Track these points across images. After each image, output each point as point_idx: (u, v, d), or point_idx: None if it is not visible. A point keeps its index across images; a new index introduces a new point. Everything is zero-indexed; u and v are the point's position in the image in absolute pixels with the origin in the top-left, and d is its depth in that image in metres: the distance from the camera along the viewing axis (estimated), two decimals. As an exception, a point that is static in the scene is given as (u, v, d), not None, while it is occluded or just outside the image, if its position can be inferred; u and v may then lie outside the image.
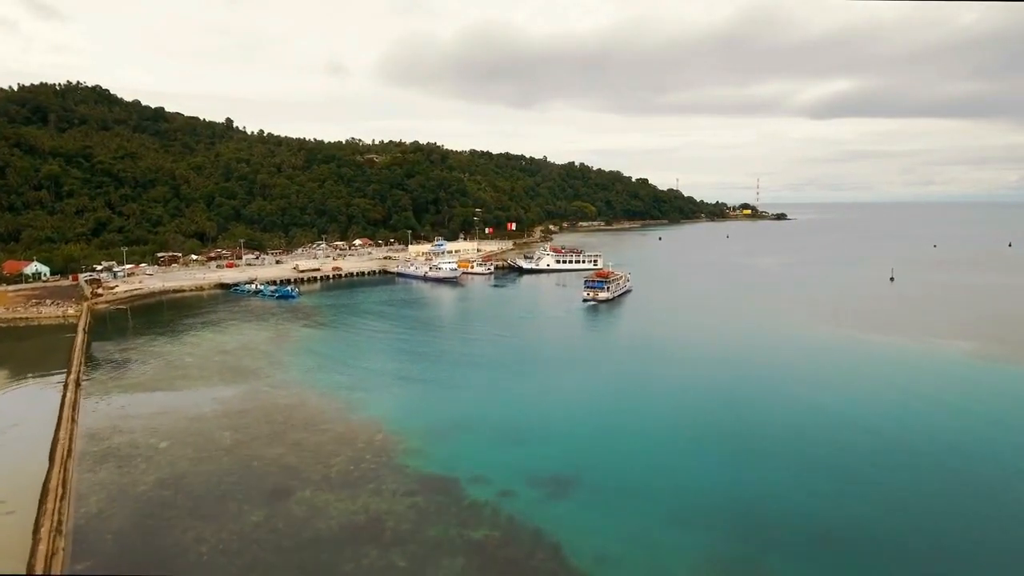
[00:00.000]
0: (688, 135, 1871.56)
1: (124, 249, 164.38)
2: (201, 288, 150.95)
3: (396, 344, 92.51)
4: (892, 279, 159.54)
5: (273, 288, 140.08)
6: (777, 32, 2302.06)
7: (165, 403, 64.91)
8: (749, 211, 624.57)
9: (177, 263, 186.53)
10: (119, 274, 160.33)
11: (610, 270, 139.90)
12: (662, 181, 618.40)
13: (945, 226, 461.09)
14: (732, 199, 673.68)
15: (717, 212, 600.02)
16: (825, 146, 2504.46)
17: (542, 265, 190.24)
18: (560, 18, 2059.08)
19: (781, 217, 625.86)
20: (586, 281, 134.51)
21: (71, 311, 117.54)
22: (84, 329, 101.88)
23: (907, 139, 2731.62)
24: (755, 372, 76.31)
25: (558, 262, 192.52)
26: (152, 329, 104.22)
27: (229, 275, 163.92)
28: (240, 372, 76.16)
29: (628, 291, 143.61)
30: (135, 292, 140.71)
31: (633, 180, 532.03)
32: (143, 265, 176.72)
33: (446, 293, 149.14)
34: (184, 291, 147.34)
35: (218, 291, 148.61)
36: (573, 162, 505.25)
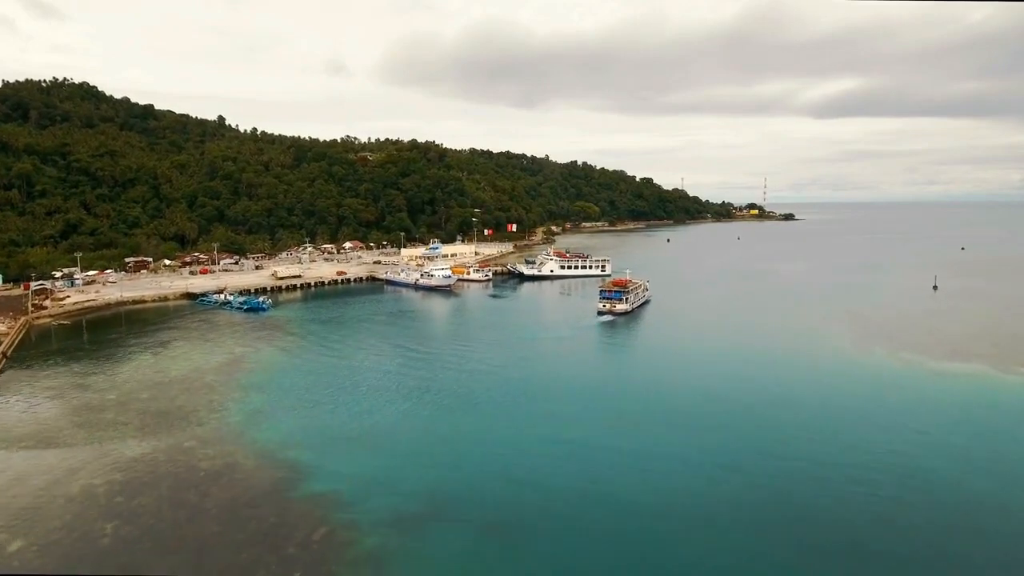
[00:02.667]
0: (691, 135, 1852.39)
1: (79, 255, 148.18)
2: (165, 298, 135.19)
3: (368, 377, 75.94)
4: (935, 288, 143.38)
5: (242, 299, 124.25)
6: (783, 30, 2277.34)
7: (51, 469, 49.03)
8: (756, 211, 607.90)
9: (146, 269, 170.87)
10: (77, 282, 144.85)
11: (628, 278, 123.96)
12: (665, 181, 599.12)
13: (961, 227, 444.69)
14: (735, 199, 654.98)
15: (723, 212, 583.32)
16: (828, 146, 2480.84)
17: (545, 271, 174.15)
18: (563, 17, 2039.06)
19: (789, 218, 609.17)
20: (601, 291, 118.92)
21: (2, 328, 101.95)
22: (4, 353, 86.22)
23: (912, 138, 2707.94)
24: (821, 423, 60.00)
25: (562, 268, 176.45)
26: (89, 351, 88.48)
27: (199, 283, 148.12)
28: (166, 418, 60.27)
29: (647, 301, 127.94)
30: (87, 304, 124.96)
31: (637, 180, 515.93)
32: (108, 272, 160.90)
33: (438, 305, 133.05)
34: (145, 302, 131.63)
35: (184, 302, 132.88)
36: (576, 161, 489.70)
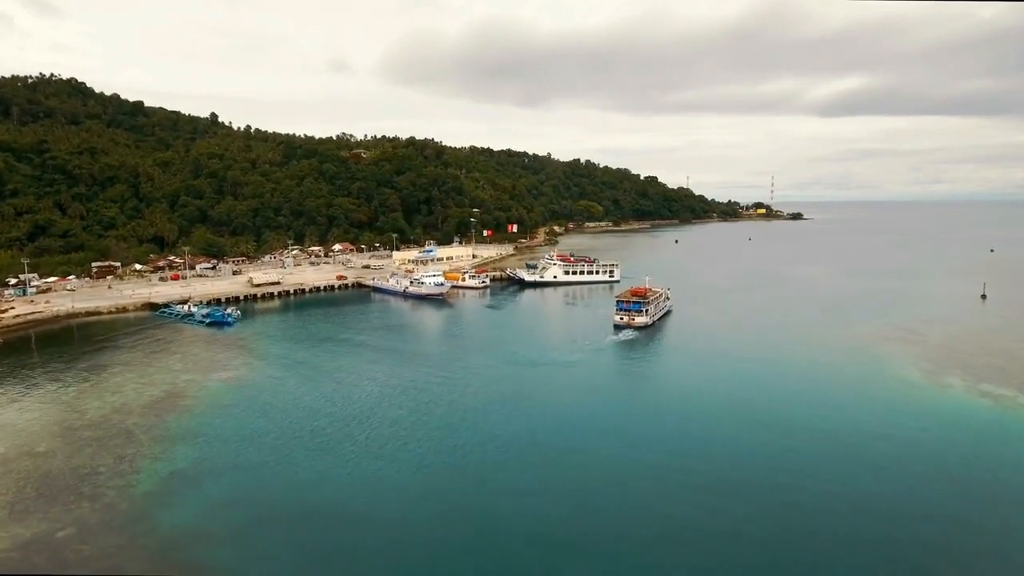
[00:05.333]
0: (694, 134, 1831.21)
1: (26, 261, 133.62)
2: (124, 309, 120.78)
3: (333, 420, 59.93)
4: (984, 296, 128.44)
5: (205, 312, 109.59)
6: (789, 28, 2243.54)
7: None
8: (763, 211, 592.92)
9: (113, 275, 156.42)
10: (31, 291, 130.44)
11: (647, 286, 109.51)
12: (668, 180, 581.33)
13: (977, 227, 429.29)
14: (739, 198, 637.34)
15: (730, 212, 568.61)
16: (833, 145, 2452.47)
17: (548, 277, 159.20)
18: (566, 15, 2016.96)
19: (797, 217, 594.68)
20: (619, 301, 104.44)
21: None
22: (-99, 383, 71.85)
23: (916, 137, 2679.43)
24: (924, 493, 45.49)
25: (567, 273, 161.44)
26: (3, 380, 73.85)
27: (164, 292, 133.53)
28: (52, 486, 45.66)
29: (668, 312, 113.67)
30: (32, 317, 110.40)
31: (642, 178, 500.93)
32: (71, 278, 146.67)
33: (428, 317, 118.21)
34: (100, 313, 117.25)
35: (144, 313, 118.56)
36: (578, 159, 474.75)
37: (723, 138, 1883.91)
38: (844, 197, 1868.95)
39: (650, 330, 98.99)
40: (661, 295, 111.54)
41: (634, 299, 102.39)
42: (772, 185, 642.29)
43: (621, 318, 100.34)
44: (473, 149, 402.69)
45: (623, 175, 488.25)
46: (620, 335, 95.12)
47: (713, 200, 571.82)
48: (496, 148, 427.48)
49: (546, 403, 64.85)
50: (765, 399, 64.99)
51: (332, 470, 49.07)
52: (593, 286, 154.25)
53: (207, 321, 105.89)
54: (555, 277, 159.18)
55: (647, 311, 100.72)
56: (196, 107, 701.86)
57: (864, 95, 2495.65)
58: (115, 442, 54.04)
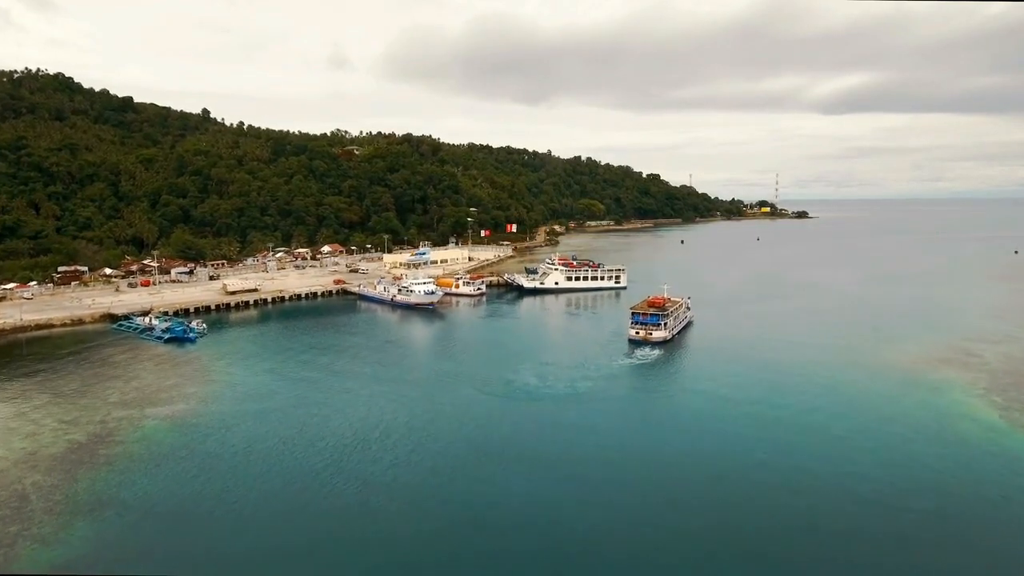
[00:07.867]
0: (697, 131, 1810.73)
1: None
2: (80, 321, 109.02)
3: (281, 488, 47.59)
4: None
5: (166, 326, 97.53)
6: (793, 24, 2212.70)
7: None
8: (768, 209, 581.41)
9: (79, 280, 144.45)
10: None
11: (665, 295, 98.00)
12: (670, 178, 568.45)
13: (988, 226, 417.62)
14: (742, 196, 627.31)
15: (734, 210, 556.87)
16: (835, 142, 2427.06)
17: (548, 283, 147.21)
18: (568, 11, 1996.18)
19: (802, 215, 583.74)
20: (634, 314, 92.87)
21: None
22: None
23: (919, 135, 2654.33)
24: None
25: (569, 279, 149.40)
26: (-93, 416, 62.08)
27: (128, 301, 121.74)
28: None
29: (689, 323, 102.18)
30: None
31: (644, 176, 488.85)
32: (32, 284, 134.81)
33: (416, 332, 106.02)
34: (53, 326, 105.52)
35: (102, 326, 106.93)
36: (580, 156, 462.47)
37: (726, 135, 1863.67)
38: (846, 195, 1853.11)
39: (670, 346, 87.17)
40: (681, 305, 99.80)
41: (651, 310, 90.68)
42: (776, 183, 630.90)
43: (637, 332, 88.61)
44: (471, 146, 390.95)
45: (625, 173, 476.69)
46: (636, 354, 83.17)
47: (716, 198, 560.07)
48: (496, 145, 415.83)
49: (550, 458, 52.32)
50: (831, 452, 52.35)
51: (273, 568, 37.16)
52: (598, 293, 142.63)
53: (166, 337, 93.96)
54: (556, 284, 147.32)
55: (666, 324, 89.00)
56: (195, 104, 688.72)
57: (866, 92, 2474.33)
58: (0, 513, 42.25)
